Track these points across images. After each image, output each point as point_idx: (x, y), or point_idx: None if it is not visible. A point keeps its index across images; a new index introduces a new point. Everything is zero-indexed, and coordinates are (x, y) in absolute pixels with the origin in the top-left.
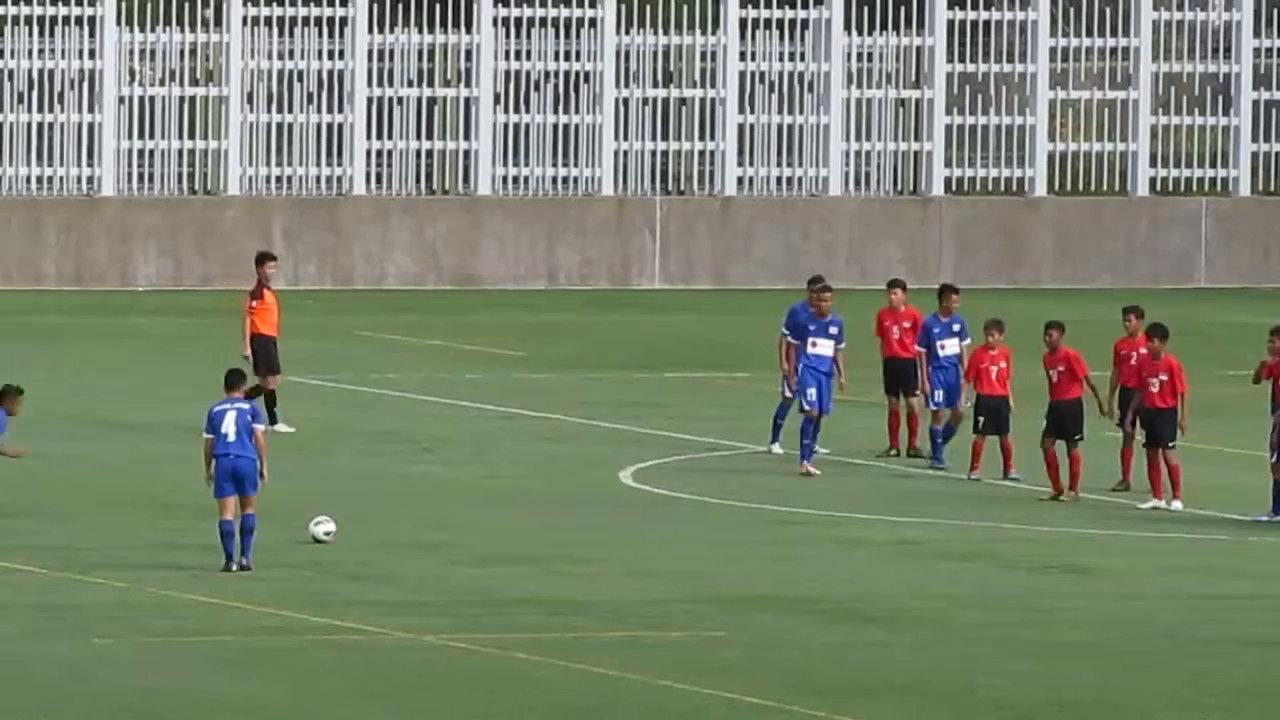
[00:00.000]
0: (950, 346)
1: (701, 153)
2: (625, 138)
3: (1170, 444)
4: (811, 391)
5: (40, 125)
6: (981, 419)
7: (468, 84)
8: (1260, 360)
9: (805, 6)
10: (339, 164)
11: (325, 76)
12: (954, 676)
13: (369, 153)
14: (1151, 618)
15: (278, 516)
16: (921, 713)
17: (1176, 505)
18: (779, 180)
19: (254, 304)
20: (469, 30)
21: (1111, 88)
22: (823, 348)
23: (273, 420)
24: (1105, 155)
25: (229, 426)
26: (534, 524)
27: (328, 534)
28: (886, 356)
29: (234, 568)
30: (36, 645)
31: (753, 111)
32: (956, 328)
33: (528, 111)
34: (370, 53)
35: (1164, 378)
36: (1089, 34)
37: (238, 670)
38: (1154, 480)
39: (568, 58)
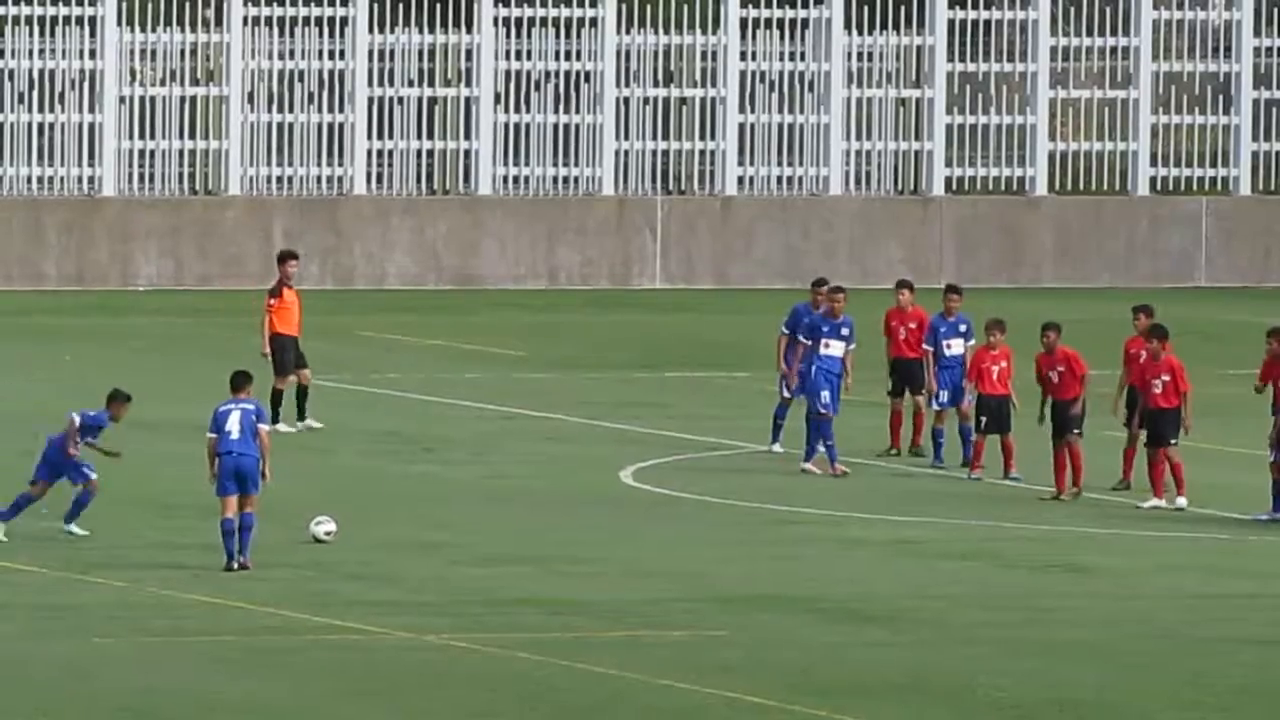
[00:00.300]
0: (955, 346)
1: (702, 152)
2: (626, 137)
3: (1172, 442)
4: (825, 394)
5: (41, 125)
6: (983, 418)
7: (468, 84)
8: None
9: (805, 6)
10: (340, 164)
11: (326, 76)
12: (954, 676)
13: (369, 153)
14: (1152, 617)
15: (279, 516)
16: (922, 712)
17: (1180, 502)
18: (779, 180)
19: (273, 302)
20: (469, 30)
21: (1112, 87)
22: (835, 349)
23: (275, 419)
24: (1106, 154)
25: (233, 425)
26: (535, 524)
27: (328, 534)
28: (893, 356)
29: (235, 566)
30: (37, 645)
31: (753, 111)
32: (963, 328)
33: (528, 111)
34: (371, 53)
35: (1166, 378)
36: (1089, 33)
37: (238, 670)
38: (1155, 480)
39: (568, 57)
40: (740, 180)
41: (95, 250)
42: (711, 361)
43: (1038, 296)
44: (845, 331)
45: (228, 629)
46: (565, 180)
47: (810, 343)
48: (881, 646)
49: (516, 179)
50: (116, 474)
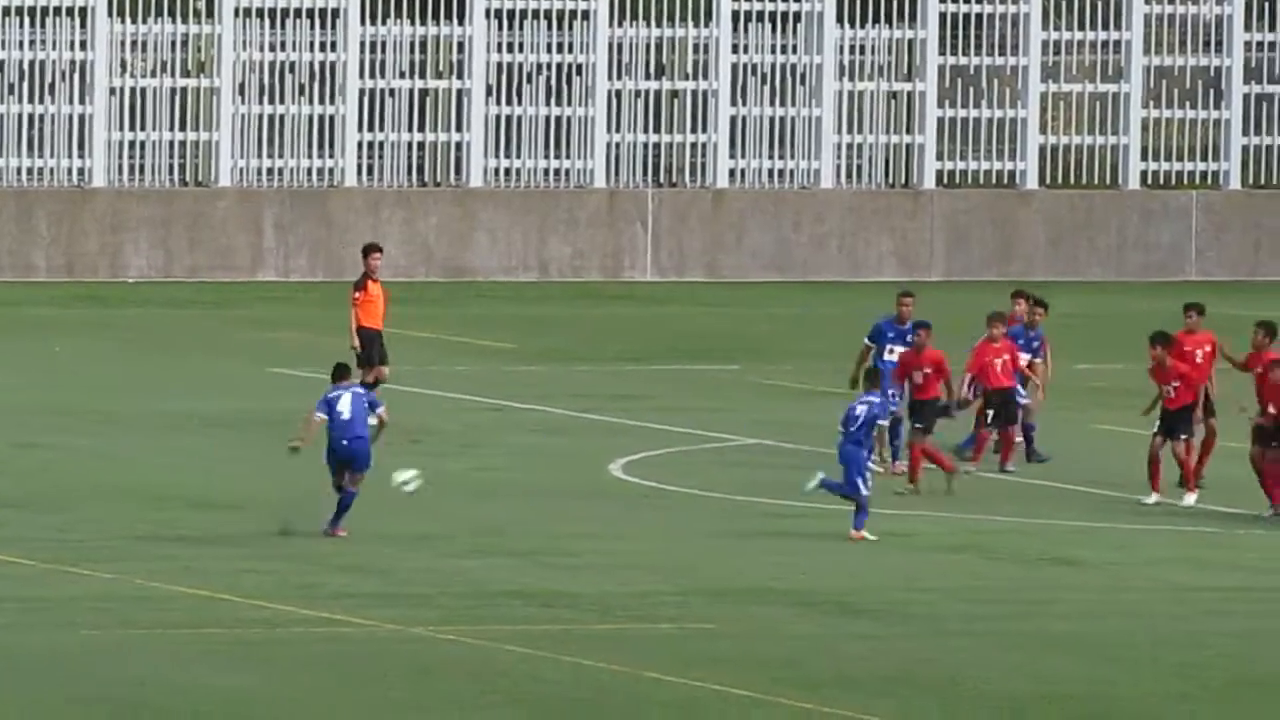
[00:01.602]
0: (899, 353)
1: (693, 145)
2: (617, 130)
3: (1183, 436)
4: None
5: (31, 116)
6: (989, 412)
7: (460, 76)
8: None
9: None
10: (330, 156)
11: (317, 68)
12: (943, 669)
13: (360, 144)
14: (1140, 610)
15: (266, 508)
16: (910, 705)
17: (1189, 499)
18: (770, 172)
19: (357, 295)
20: (461, 22)
21: (1103, 81)
22: (900, 354)
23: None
24: (1096, 148)
25: (345, 406)
26: (523, 516)
27: (409, 484)
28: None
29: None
30: (25, 636)
31: (744, 104)
32: (1037, 344)
33: (519, 103)
34: (362, 44)
35: (1176, 384)
36: (1081, 27)
37: (226, 662)
38: (1187, 476)
39: (560, 50)
40: (731, 173)
41: (85, 242)
42: (702, 354)
43: (1028, 290)
44: (910, 337)
45: (215, 621)
46: (556, 172)
47: (874, 347)
48: (871, 639)
49: (508, 171)
50: (107, 465)
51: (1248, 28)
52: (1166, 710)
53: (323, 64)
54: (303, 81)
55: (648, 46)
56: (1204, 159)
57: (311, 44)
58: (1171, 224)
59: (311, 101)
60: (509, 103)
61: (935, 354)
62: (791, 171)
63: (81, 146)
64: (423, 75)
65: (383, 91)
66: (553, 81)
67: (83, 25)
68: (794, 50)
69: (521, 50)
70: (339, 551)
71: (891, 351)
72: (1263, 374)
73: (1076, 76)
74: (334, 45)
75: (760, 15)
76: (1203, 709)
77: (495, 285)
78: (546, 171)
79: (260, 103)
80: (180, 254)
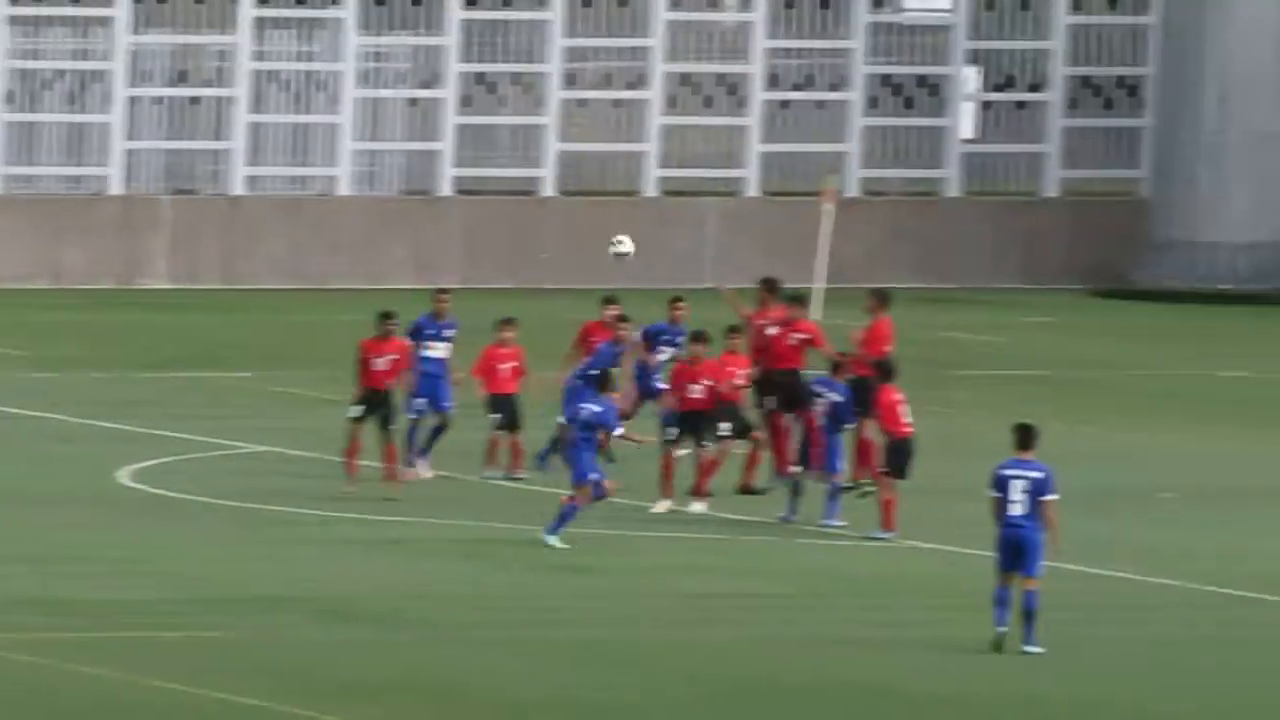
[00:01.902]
0: (438, 349)
1: (212, 152)
2: (135, 136)
3: (704, 443)
4: (421, 401)
5: None
6: (498, 416)
7: None
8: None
9: (320, 6)
10: None
11: None
12: (445, 675)
13: None
14: (648, 617)
15: None
16: (411, 712)
17: (696, 507)
18: (289, 179)
19: None
20: None
21: (624, 88)
22: (439, 350)
23: None
24: (615, 155)
25: None
26: (29, 524)
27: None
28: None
29: None
30: None
31: (265, 111)
32: (449, 332)
33: (38, 110)
34: None
35: (703, 384)
36: (603, 34)
37: None
38: (698, 482)
39: (80, 56)
40: (250, 180)
41: None
42: (215, 361)
43: (546, 297)
44: (449, 333)
45: None
46: (74, 179)
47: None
48: (374, 646)
49: (24, 178)
50: None
51: (769, 35)
52: (674, 715)
53: None
54: None
55: (169, 53)
56: (723, 166)
57: None
58: (688, 231)
59: None
60: (27, 109)
61: (401, 342)
62: (310, 179)
63: None
64: None
65: None
66: (72, 88)
67: None
68: (315, 57)
69: (41, 57)
70: None
71: (432, 347)
72: (761, 329)
73: (597, 83)
74: None
75: (282, 22)
76: (710, 713)
77: (8, 293)
78: (63, 178)
79: None
80: None
